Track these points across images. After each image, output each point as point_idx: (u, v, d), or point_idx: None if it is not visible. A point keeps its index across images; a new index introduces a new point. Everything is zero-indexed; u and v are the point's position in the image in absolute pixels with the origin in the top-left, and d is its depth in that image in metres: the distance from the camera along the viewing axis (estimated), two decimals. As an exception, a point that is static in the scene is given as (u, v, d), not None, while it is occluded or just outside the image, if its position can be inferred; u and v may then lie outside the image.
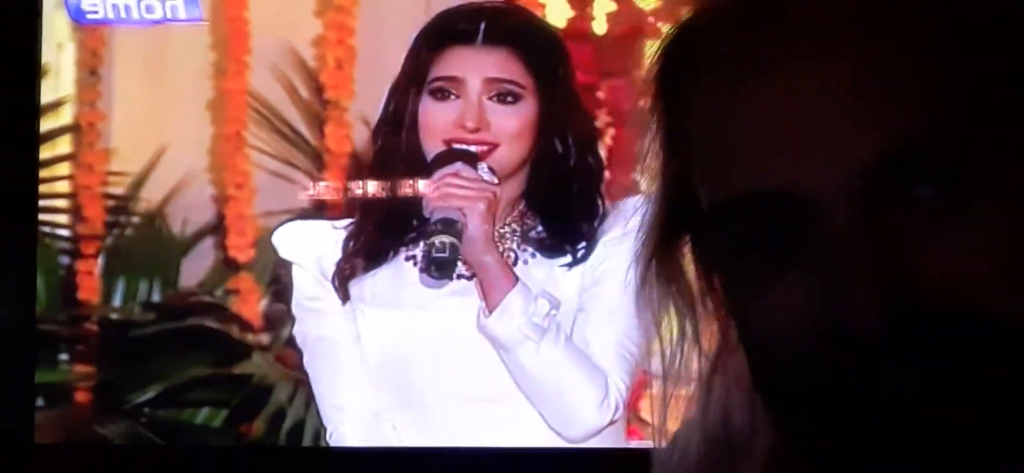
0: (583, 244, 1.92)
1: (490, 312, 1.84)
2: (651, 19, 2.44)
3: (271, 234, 2.41)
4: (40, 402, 2.53)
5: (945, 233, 0.56)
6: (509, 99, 1.90)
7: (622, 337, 1.90)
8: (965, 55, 0.57)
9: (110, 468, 2.48)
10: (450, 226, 1.83)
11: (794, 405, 0.60)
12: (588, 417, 1.89)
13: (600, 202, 1.93)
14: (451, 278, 1.87)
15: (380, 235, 1.96)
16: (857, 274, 0.55)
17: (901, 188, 0.56)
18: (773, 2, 0.60)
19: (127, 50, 2.59)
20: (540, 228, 1.93)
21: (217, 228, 2.49)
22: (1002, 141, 0.57)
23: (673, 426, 0.75)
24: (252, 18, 2.54)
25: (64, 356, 2.55)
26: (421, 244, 1.91)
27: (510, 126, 1.91)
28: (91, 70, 2.60)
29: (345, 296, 1.96)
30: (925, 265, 0.56)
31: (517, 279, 1.87)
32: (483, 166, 1.86)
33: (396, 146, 1.92)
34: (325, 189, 2.37)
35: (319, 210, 2.34)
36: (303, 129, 2.49)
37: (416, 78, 1.90)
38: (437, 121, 1.90)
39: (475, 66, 1.90)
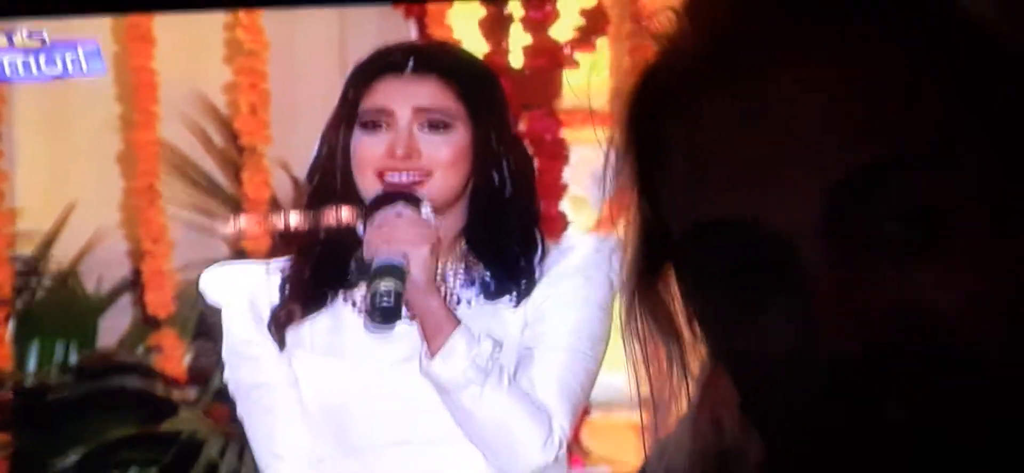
0: (524, 281, 1.92)
1: (433, 355, 1.83)
2: (566, 50, 2.46)
3: (191, 287, 2.36)
4: (-47, 476, 2.43)
5: (912, 266, 0.56)
6: (440, 127, 1.89)
7: (565, 374, 1.89)
8: (935, 84, 0.58)
9: (32, 539, 2.39)
10: (394, 271, 1.80)
11: (781, 428, 0.61)
12: (532, 457, 1.88)
13: (539, 236, 1.93)
14: (395, 325, 1.85)
15: (318, 279, 1.92)
16: (827, 306, 0.56)
17: (866, 218, 0.56)
18: (744, 35, 0.60)
19: (28, 106, 2.52)
20: (483, 268, 1.91)
21: (134, 284, 2.43)
22: (973, 173, 0.57)
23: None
24: (159, 68, 2.49)
25: (-24, 426, 2.46)
26: (362, 290, 1.88)
27: (442, 154, 1.89)
28: (-10, 128, 2.52)
29: (282, 343, 1.92)
30: (893, 298, 0.56)
31: (459, 321, 1.85)
32: (426, 207, 1.84)
33: (331, 185, 1.89)
34: (249, 224, 2.33)
35: (240, 257, 2.30)
36: (219, 177, 2.45)
37: (347, 114, 1.88)
38: (368, 153, 1.87)
39: (404, 95, 1.87)
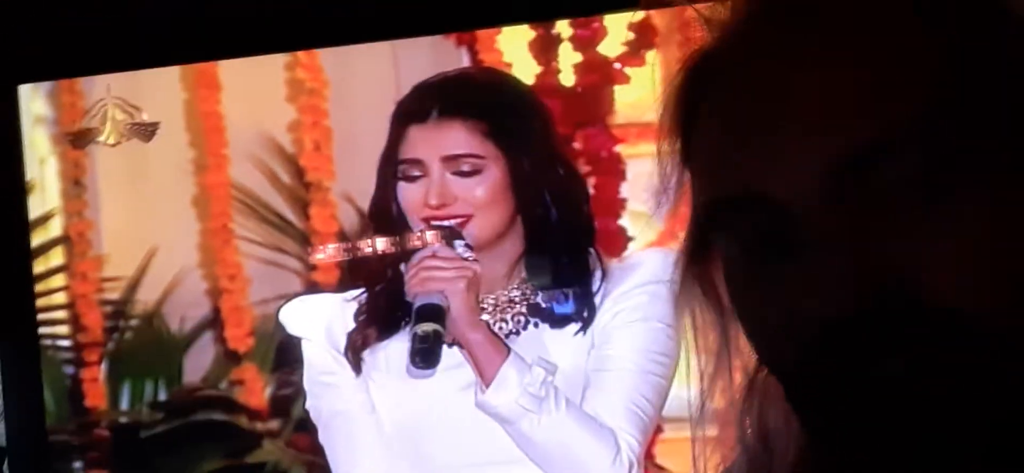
0: (585, 308, 1.93)
1: (486, 387, 1.86)
2: (617, 65, 2.48)
3: (268, 322, 2.45)
4: (59, 513, 2.56)
5: (909, 232, 0.58)
6: (471, 172, 1.92)
7: (633, 394, 1.90)
8: (932, 53, 0.59)
9: (135, 569, 2.51)
10: (433, 312, 1.85)
11: (801, 396, 0.62)
12: None
13: (595, 258, 1.95)
14: (436, 366, 1.89)
15: (390, 306, 1.98)
16: (827, 268, 0.57)
17: (868, 184, 0.58)
18: (772, 22, 0.63)
19: (107, 157, 2.63)
20: (544, 295, 1.94)
21: (214, 321, 2.53)
22: (974, 138, 0.58)
23: (711, 443, 0.76)
24: (226, 111, 2.58)
25: (78, 464, 2.59)
26: (408, 331, 1.93)
27: (478, 196, 1.93)
28: (75, 181, 2.64)
29: (358, 367, 1.97)
30: (896, 258, 0.57)
31: (509, 350, 1.88)
32: (459, 243, 1.88)
33: (388, 224, 1.95)
34: (331, 253, 2.41)
35: (313, 289, 2.38)
36: (289, 213, 2.53)
37: (391, 158, 1.94)
38: (410, 201, 1.93)
39: (432, 145, 1.92)
